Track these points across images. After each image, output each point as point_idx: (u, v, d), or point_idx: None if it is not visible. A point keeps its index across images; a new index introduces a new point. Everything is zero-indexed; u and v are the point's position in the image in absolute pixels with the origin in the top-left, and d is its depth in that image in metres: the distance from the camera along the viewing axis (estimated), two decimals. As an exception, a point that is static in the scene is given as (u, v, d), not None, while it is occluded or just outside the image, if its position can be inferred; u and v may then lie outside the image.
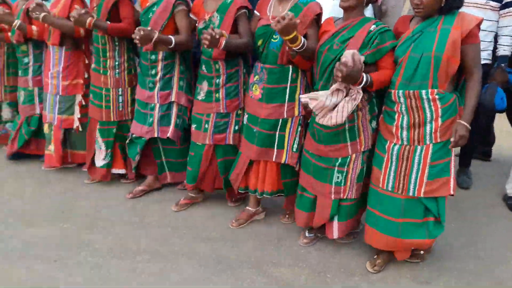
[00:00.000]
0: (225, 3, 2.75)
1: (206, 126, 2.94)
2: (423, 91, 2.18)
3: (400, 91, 2.22)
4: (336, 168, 2.48)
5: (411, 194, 2.28)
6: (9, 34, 3.65)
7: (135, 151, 3.24)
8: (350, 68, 2.14)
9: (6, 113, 4.09)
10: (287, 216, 3.04)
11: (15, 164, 3.90)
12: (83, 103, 3.53)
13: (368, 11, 2.77)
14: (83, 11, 3.00)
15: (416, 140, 2.25)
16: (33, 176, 3.68)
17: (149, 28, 2.71)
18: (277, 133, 2.72)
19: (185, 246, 2.74)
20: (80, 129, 3.57)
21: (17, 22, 3.47)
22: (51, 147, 3.61)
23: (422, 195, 2.26)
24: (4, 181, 3.58)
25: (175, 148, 3.25)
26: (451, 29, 2.11)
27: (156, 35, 2.72)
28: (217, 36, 2.47)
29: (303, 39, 2.33)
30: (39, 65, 3.71)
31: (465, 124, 2.15)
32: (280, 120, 2.69)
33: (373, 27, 2.31)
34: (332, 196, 2.52)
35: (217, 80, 2.86)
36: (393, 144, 2.31)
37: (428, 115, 2.20)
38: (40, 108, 3.75)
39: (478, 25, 2.13)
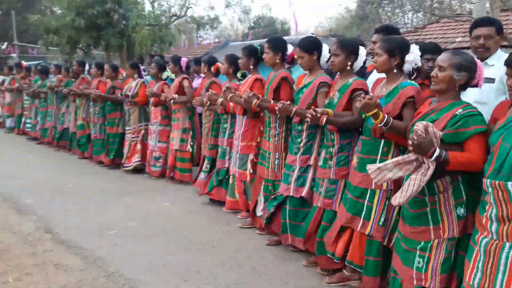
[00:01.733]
0: (347, 84, 3.15)
1: (321, 190, 3.23)
2: (509, 183, 2.00)
3: (489, 181, 2.09)
4: (418, 252, 2.40)
5: None
6: (216, 107, 4.69)
7: (272, 204, 3.64)
8: (421, 138, 2.18)
9: (205, 165, 5.13)
10: None
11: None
12: (255, 160, 4.23)
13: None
14: (251, 94, 3.74)
15: (504, 235, 2.03)
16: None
17: (288, 102, 3.37)
18: (365, 203, 2.81)
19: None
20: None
21: (219, 101, 4.50)
22: (236, 195, 4.42)
23: None
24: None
25: (302, 210, 3.51)
26: None
27: (294, 108, 3.35)
28: (318, 115, 2.96)
29: (386, 116, 2.53)
30: (233, 130, 4.56)
31: None
32: (369, 190, 2.80)
33: (459, 111, 2.30)
34: (414, 282, 2.40)
35: (331, 149, 3.19)
36: (482, 236, 2.12)
37: None
38: (228, 163, 4.61)
39: None
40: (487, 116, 2.88)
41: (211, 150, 5.02)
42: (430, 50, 3.32)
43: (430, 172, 2.19)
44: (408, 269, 2.43)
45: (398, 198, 2.28)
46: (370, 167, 2.38)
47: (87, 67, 7.40)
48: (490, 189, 2.09)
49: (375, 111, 2.51)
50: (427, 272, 2.36)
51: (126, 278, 3.16)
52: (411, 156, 2.26)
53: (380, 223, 2.77)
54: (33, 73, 9.29)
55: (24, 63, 10.43)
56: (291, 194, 3.48)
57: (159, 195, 5.28)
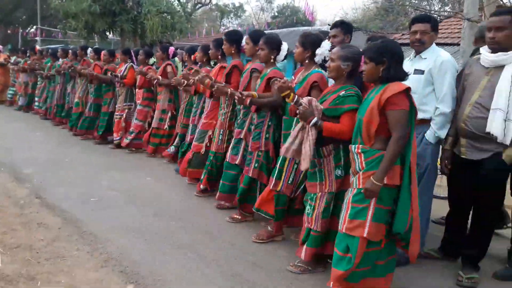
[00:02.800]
0: (265, 74, 3.90)
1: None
2: (352, 146, 2.72)
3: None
4: (308, 201, 3.08)
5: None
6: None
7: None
8: (305, 109, 2.79)
9: (176, 140, 5.85)
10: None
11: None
12: (211, 136, 4.77)
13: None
14: (205, 75, 4.30)
15: (353, 184, 2.71)
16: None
17: (223, 84, 4.19)
18: (278, 167, 3.49)
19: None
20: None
21: (190, 81, 5.00)
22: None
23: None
24: None
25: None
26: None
27: (228, 90, 4.06)
28: (243, 97, 3.69)
29: (296, 96, 2.98)
30: (199, 110, 5.22)
31: (371, 178, 2.53)
32: (281, 157, 3.39)
33: (342, 93, 2.89)
34: (305, 225, 3.08)
35: (251, 127, 3.95)
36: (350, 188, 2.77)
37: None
38: (190, 138, 5.25)
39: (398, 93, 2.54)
40: (416, 105, 3.21)
41: (182, 128, 5.70)
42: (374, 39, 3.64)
43: (312, 135, 2.80)
44: (304, 214, 3.12)
45: (303, 165, 2.88)
46: (282, 151, 3.05)
47: (89, 51, 7.98)
48: (350, 153, 2.77)
49: (287, 92, 2.99)
50: (312, 217, 3.02)
51: (95, 235, 3.62)
52: (299, 125, 2.91)
53: (289, 182, 3.43)
54: (45, 56, 9.98)
55: (37, 47, 11.10)
56: (227, 160, 4.25)
57: (144, 171, 5.75)
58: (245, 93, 3.75)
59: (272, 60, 3.91)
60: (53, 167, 5.70)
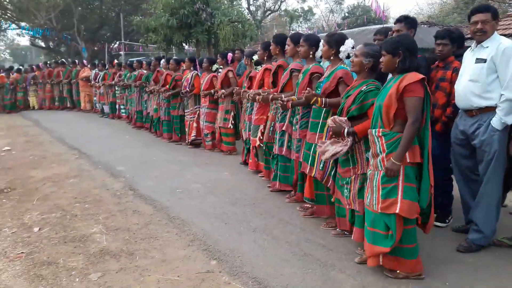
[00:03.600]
0: (307, 69, 4.18)
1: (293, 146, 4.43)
2: (373, 130, 2.99)
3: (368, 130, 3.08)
4: (345, 185, 3.40)
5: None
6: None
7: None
8: (334, 127, 3.30)
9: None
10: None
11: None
12: (262, 130, 5.31)
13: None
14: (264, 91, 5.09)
15: (374, 166, 2.98)
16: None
17: (266, 93, 4.93)
18: (311, 153, 3.84)
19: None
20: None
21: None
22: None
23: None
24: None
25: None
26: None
27: (270, 96, 4.83)
28: (285, 102, 4.20)
29: (323, 100, 3.62)
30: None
31: (391, 158, 2.82)
32: (313, 144, 3.81)
33: (364, 88, 3.22)
34: (347, 206, 3.41)
35: (296, 116, 4.27)
36: (369, 169, 3.07)
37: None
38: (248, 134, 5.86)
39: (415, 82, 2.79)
40: (479, 92, 3.30)
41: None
42: (440, 36, 3.76)
43: (349, 143, 3.25)
44: (343, 198, 3.44)
45: (324, 156, 3.41)
46: (322, 159, 3.51)
47: (161, 62, 8.86)
48: (369, 136, 3.06)
49: (314, 99, 3.63)
50: (350, 199, 3.36)
51: (182, 220, 4.09)
52: (334, 138, 3.38)
53: (320, 168, 3.75)
54: (123, 67, 11.05)
55: (115, 61, 12.33)
56: (276, 152, 4.72)
57: (222, 166, 6.24)
58: (285, 98, 4.20)
59: (311, 56, 4.21)
60: (141, 165, 6.37)
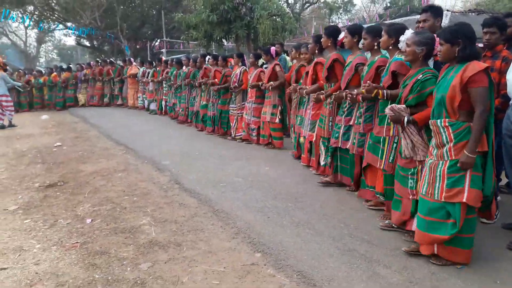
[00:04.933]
0: (373, 61, 4.15)
1: (354, 140, 4.42)
2: (438, 121, 2.97)
3: (430, 120, 3.07)
4: (409, 176, 3.36)
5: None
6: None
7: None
8: (392, 116, 3.28)
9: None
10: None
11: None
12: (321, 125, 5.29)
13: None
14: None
15: (439, 156, 2.98)
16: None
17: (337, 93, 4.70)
18: (380, 146, 3.79)
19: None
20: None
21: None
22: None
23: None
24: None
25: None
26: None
27: (343, 94, 4.59)
28: (354, 96, 4.17)
29: (384, 92, 3.65)
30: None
31: (465, 152, 2.82)
32: (381, 137, 3.79)
33: (420, 77, 3.22)
34: (410, 197, 3.36)
35: (361, 110, 4.28)
36: (429, 159, 3.08)
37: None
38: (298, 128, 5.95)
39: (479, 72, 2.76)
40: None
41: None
42: (487, 24, 3.63)
43: (412, 129, 3.25)
44: (406, 188, 3.39)
45: (421, 155, 3.29)
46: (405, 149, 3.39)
47: (207, 58, 8.98)
48: (431, 126, 3.04)
49: (375, 91, 3.66)
50: (416, 189, 3.31)
51: (226, 213, 4.18)
52: (399, 129, 3.36)
53: (390, 160, 3.70)
54: (170, 65, 11.25)
55: (163, 58, 12.60)
56: (339, 146, 4.63)
57: (262, 160, 6.31)
58: (354, 92, 4.17)
59: (376, 47, 4.14)
60: (186, 159, 6.53)
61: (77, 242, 3.68)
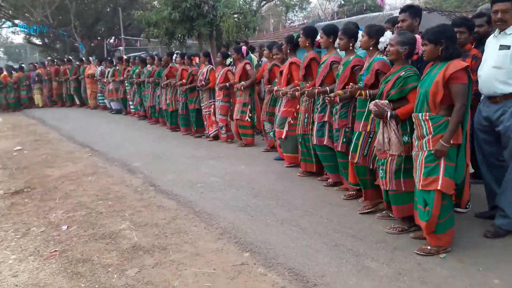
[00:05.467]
0: (348, 61, 4.26)
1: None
2: (419, 114, 3.15)
3: (413, 114, 3.25)
4: (380, 167, 3.57)
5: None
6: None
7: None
8: (376, 111, 3.41)
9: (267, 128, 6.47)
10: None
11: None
12: (291, 122, 5.45)
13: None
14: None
15: (419, 147, 3.18)
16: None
17: (311, 89, 4.79)
18: (354, 141, 3.94)
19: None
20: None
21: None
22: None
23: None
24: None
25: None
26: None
27: (316, 91, 4.73)
28: (332, 98, 4.19)
29: (367, 92, 3.77)
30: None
31: (440, 141, 3.02)
32: (357, 132, 3.94)
33: (402, 73, 3.40)
34: (382, 187, 3.61)
35: (336, 106, 4.33)
36: (414, 150, 3.27)
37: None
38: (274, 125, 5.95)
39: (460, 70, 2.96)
40: (504, 78, 3.34)
41: (269, 116, 6.24)
42: (456, 24, 3.81)
43: (393, 125, 3.40)
44: (379, 179, 3.66)
45: (395, 151, 3.44)
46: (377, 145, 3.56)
47: (174, 57, 8.82)
48: (414, 119, 3.24)
49: (358, 92, 3.80)
50: (386, 179, 3.53)
51: (208, 214, 4.13)
52: (381, 123, 3.48)
53: (365, 154, 3.89)
54: (131, 63, 10.98)
55: (124, 56, 12.25)
56: (314, 143, 4.79)
57: (235, 158, 6.30)
58: (332, 94, 4.26)
59: (351, 48, 4.29)
60: (157, 160, 6.40)
61: (55, 250, 3.52)
